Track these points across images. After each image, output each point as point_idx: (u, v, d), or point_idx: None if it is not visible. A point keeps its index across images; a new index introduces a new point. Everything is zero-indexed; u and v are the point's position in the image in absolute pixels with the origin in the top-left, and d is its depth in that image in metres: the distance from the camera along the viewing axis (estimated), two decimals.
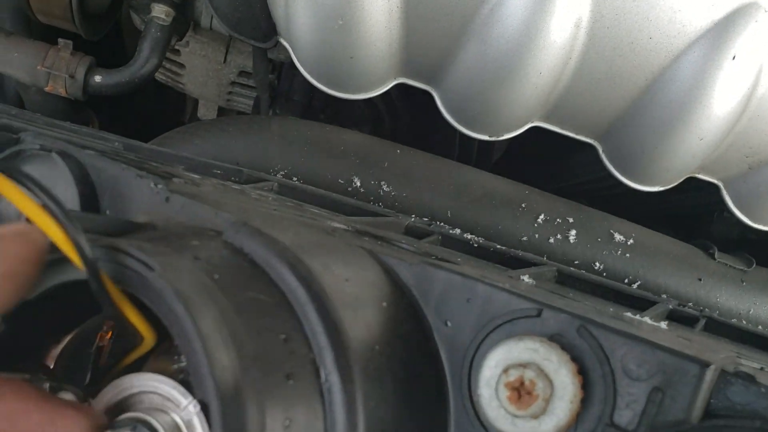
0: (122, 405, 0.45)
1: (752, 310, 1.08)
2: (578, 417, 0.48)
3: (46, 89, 1.13)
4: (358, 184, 0.97)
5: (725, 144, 1.04)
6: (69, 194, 0.54)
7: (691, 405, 0.46)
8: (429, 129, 1.28)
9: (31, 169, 0.57)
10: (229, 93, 1.72)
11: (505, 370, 0.48)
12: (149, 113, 2.02)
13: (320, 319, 0.45)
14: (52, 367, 0.54)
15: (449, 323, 0.54)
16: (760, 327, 1.04)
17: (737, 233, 1.44)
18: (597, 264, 1.01)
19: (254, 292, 0.44)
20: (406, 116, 1.32)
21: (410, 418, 0.49)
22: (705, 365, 0.46)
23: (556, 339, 0.50)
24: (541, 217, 1.00)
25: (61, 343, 0.55)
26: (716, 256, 1.09)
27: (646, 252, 1.04)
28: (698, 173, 1.13)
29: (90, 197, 0.55)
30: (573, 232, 1.01)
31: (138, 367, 0.51)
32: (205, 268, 0.43)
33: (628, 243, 1.03)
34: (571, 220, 1.01)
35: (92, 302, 0.43)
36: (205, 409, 0.41)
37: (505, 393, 0.47)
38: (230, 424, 0.38)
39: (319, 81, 1.04)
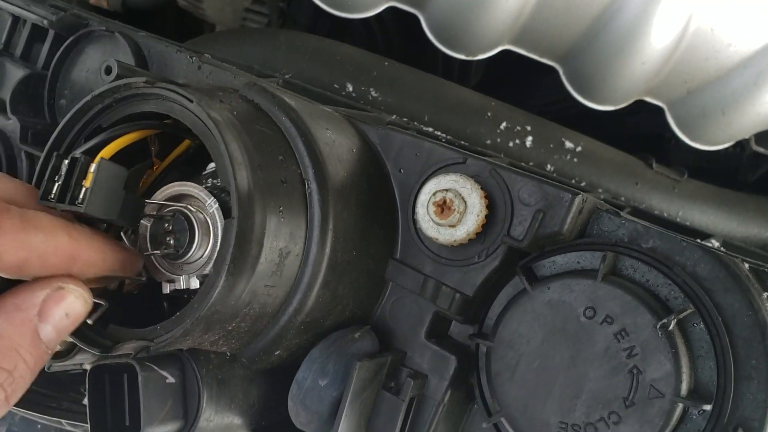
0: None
1: (681, 213, 1.27)
2: (485, 229, 0.68)
3: (91, 2, 1.31)
4: (351, 89, 1.15)
5: (666, 70, 1.21)
6: (126, 63, 0.74)
7: (563, 221, 0.66)
8: (417, 52, 1.46)
9: (99, 46, 0.77)
10: (244, 19, 1.90)
11: (434, 194, 0.68)
12: (170, 38, 2.18)
13: (305, 147, 0.64)
14: None
15: (402, 170, 0.74)
16: (678, 219, 1.24)
17: (692, 162, 1.63)
18: (548, 166, 1.19)
19: (260, 126, 0.64)
20: (399, 42, 1.50)
21: (367, 226, 0.69)
22: (575, 194, 0.66)
23: (474, 178, 0.69)
24: (503, 124, 1.19)
25: None
26: (654, 166, 1.28)
27: (591, 158, 1.22)
28: (645, 96, 1.31)
29: (142, 66, 0.74)
30: (530, 138, 1.19)
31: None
32: (226, 107, 0.63)
33: (577, 150, 1.22)
34: (528, 128, 1.20)
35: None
36: (223, 206, 0.61)
37: (432, 209, 0.67)
38: (243, 201, 0.58)
39: (321, 0, 1.21)
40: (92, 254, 0.57)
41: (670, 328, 0.60)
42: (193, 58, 0.71)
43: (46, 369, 0.72)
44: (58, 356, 0.71)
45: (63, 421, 0.99)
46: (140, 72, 0.66)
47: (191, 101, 0.59)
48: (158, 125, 0.62)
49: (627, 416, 0.61)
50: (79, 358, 0.71)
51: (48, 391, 0.85)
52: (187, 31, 2.25)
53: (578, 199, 0.66)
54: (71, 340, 0.63)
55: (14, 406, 0.80)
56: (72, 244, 0.56)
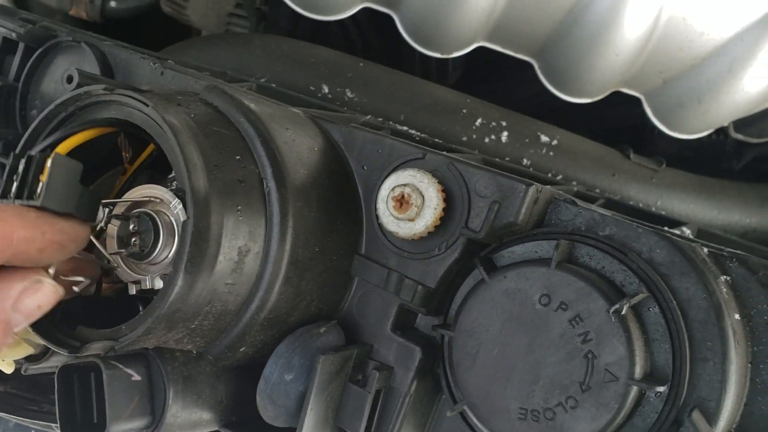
0: (135, 207, 0.67)
1: (659, 202, 1.28)
2: (444, 222, 0.69)
3: (71, 13, 1.33)
4: (326, 90, 1.17)
5: (640, 61, 1.22)
6: (92, 71, 0.76)
7: (518, 211, 0.67)
8: (395, 53, 1.48)
9: (67, 56, 0.79)
10: (228, 23, 1.92)
11: (393, 189, 0.69)
12: (157, 46, 2.21)
13: (263, 147, 0.66)
14: None
15: (365, 167, 0.76)
16: (653, 208, 1.25)
17: (676, 151, 1.64)
18: (525, 161, 1.21)
19: (218, 127, 0.65)
20: (376, 44, 1.52)
21: (330, 223, 0.70)
22: (528, 185, 0.67)
23: (433, 173, 0.71)
24: (479, 120, 1.20)
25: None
26: (631, 156, 1.29)
27: (567, 151, 1.23)
28: (621, 87, 1.32)
29: (108, 74, 0.76)
30: (505, 133, 1.21)
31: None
32: (184, 111, 0.64)
33: (553, 143, 1.23)
34: (504, 123, 1.21)
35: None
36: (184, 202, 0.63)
37: (391, 204, 0.69)
38: (199, 202, 0.59)
39: (295, 3, 1.23)
40: (28, 230, 0.55)
41: (623, 312, 0.62)
42: (156, 65, 0.73)
43: (22, 372, 0.73)
44: (33, 359, 0.72)
45: (53, 425, 1.01)
46: (101, 80, 0.67)
47: (147, 106, 0.61)
48: (115, 123, 0.64)
49: (583, 400, 0.62)
50: (53, 361, 0.73)
51: (28, 394, 0.87)
52: (174, 38, 2.27)
53: (532, 190, 0.67)
54: (42, 342, 0.65)
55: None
56: None
